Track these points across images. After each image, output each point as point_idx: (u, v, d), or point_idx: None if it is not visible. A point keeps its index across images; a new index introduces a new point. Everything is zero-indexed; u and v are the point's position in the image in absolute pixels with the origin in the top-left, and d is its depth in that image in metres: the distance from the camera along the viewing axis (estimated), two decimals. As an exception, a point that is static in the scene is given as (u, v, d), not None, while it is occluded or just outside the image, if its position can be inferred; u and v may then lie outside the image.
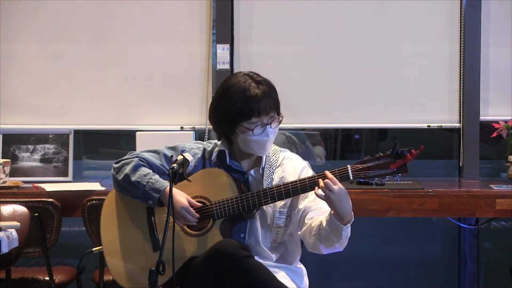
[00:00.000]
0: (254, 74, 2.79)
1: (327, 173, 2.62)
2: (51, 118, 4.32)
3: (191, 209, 2.73)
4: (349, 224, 2.62)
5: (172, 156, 2.84)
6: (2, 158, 4.07)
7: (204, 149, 2.91)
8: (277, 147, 2.90)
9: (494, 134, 4.06)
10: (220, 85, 2.84)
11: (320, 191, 2.58)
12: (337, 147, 4.91)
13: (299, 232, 2.77)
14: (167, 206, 2.69)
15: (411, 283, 4.62)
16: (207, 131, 4.28)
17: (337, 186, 2.57)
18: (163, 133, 4.10)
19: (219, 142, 2.88)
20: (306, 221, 2.73)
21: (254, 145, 2.77)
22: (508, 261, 4.42)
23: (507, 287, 4.28)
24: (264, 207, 2.78)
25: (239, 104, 2.71)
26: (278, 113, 2.78)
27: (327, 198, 2.57)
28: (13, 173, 4.07)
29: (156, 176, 2.80)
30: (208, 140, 3.66)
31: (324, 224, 2.63)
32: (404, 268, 4.68)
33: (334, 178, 2.59)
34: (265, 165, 2.82)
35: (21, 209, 3.42)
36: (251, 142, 2.76)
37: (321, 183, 2.58)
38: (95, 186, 3.82)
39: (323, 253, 2.71)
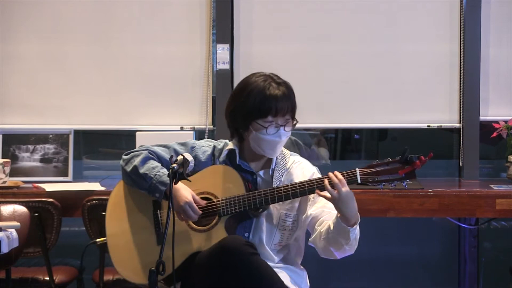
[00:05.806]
0: (275, 76, 2.80)
1: (333, 175, 2.62)
2: (51, 118, 4.32)
3: (194, 205, 2.72)
4: (356, 226, 2.63)
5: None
6: (2, 158, 4.07)
7: (214, 147, 2.91)
8: (287, 151, 2.91)
9: (494, 134, 4.06)
10: (239, 82, 2.84)
11: (327, 193, 2.60)
12: (337, 147, 4.90)
13: (310, 239, 2.77)
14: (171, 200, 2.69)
15: (411, 283, 4.62)
16: (207, 131, 4.28)
17: (345, 188, 2.58)
18: (163, 133, 4.09)
19: (229, 142, 2.89)
20: (316, 227, 2.74)
21: (265, 144, 2.76)
22: (508, 261, 4.42)
23: (507, 287, 4.28)
24: (271, 207, 2.78)
25: (257, 101, 2.72)
26: (293, 117, 2.79)
27: (333, 199, 2.59)
28: (13, 173, 4.07)
29: (164, 170, 2.80)
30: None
31: (331, 228, 2.65)
32: (404, 268, 4.67)
33: (343, 180, 2.60)
34: (275, 167, 2.83)
35: (21, 209, 3.42)
36: (263, 141, 2.76)
37: (327, 185, 2.60)
38: (95, 186, 3.82)
39: (336, 257, 2.72)
